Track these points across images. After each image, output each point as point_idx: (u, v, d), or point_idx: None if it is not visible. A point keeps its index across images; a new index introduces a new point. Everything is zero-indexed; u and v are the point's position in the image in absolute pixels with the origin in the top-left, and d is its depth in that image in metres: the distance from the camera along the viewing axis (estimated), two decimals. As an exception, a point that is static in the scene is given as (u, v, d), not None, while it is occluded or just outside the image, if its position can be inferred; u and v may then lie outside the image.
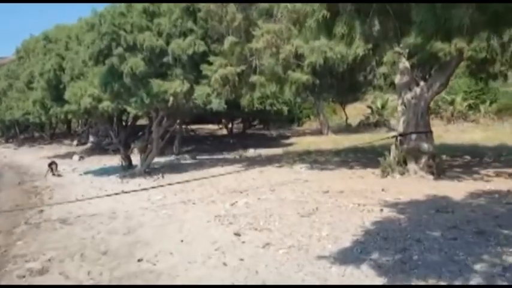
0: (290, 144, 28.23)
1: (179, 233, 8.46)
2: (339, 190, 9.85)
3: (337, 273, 5.46)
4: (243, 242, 7.18)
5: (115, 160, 21.24)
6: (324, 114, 31.04)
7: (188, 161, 20.63)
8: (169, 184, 11.01)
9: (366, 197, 8.93)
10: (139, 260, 6.97)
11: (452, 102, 30.11)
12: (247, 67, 13.87)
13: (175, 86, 14.17)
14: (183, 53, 14.32)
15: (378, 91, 22.51)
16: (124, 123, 27.75)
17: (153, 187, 11.64)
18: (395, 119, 29.64)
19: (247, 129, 36.36)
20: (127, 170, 18.56)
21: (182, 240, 7.90)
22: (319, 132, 30.70)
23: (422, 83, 11.89)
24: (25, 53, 28.99)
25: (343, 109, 32.80)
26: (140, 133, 32.76)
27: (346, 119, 32.57)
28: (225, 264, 6.32)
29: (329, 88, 13.16)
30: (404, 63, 11.04)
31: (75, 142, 37.77)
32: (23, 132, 47.12)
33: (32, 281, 6.56)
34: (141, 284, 6.08)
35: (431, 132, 11.89)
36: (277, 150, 23.84)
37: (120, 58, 13.71)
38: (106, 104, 15.19)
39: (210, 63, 14.03)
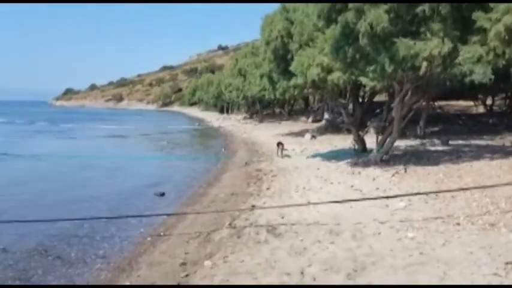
0: None
1: (443, 294, 4.74)
2: None
3: None
4: None
5: (348, 141, 18.45)
6: None
7: (438, 148, 16.02)
8: (420, 193, 7.29)
9: None
10: None
11: None
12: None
13: (432, 46, 10.01)
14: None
15: None
16: (360, 99, 24.73)
17: (396, 196, 8.11)
18: None
19: (514, 107, 28.37)
20: (360, 154, 15.41)
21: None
22: None
23: None
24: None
25: None
26: (377, 110, 29.24)
27: None
28: None
29: None
30: None
31: (310, 119, 37.02)
32: (265, 108, 49.78)
33: None
34: None
35: None
36: None
37: (358, 13, 10.35)
38: (337, 76, 12.23)
39: (489, 10, 9.37)
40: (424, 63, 10.26)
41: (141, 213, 10.40)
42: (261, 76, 17.69)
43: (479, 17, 9.47)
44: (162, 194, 12.14)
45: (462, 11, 10.35)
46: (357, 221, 7.70)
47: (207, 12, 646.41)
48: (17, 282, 6.33)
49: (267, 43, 15.17)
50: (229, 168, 16.09)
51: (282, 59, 14.77)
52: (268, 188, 11.26)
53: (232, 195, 10.94)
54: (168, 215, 9.63)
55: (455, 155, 13.52)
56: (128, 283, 5.85)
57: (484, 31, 9.90)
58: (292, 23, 14.66)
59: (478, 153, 13.63)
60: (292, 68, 13.30)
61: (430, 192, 8.12)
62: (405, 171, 11.88)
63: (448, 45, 10.05)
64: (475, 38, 10.12)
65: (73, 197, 12.11)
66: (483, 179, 9.78)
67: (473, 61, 10.07)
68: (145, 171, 17.22)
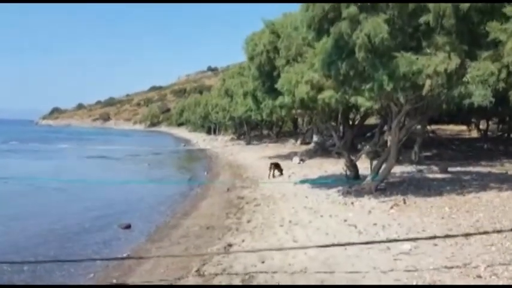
0: None
1: None
2: None
3: None
4: None
5: (338, 166, 17.14)
6: None
7: (437, 175, 14.72)
8: (431, 238, 5.94)
9: None
10: None
11: None
12: None
13: (437, 62, 8.80)
14: (451, 10, 8.86)
15: None
16: (350, 122, 23.48)
17: (402, 239, 6.73)
18: None
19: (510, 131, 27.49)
20: (352, 182, 14.04)
21: None
22: None
23: None
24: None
25: None
26: (368, 134, 27.99)
27: None
28: None
29: None
30: None
31: (298, 141, 35.82)
32: (253, 129, 48.43)
33: None
34: None
35: None
36: None
37: (352, 22, 9.11)
38: (328, 94, 10.93)
39: (505, 18, 8.23)
40: (428, 81, 9.02)
41: (98, 250, 8.97)
42: (245, 95, 16.33)
43: (494, 28, 8.28)
44: (128, 227, 10.58)
45: (469, 23, 9.22)
46: (353, 269, 6.26)
47: (197, 33, 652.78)
48: None
49: (251, 58, 13.86)
50: (209, 194, 14.60)
51: (268, 76, 13.43)
52: (249, 221, 9.77)
53: (208, 229, 9.46)
54: (121, 259, 8.05)
55: (458, 185, 12.21)
56: None
57: (496, 45, 8.76)
58: (278, 36, 13.41)
59: (482, 183, 12.34)
60: (278, 85, 11.95)
61: (445, 237, 6.70)
62: (404, 203, 10.51)
63: (455, 61, 8.83)
64: (485, 53, 8.94)
65: (19, 230, 10.39)
66: (497, 215, 8.44)
67: (484, 79, 8.86)
68: (115, 197, 15.47)
